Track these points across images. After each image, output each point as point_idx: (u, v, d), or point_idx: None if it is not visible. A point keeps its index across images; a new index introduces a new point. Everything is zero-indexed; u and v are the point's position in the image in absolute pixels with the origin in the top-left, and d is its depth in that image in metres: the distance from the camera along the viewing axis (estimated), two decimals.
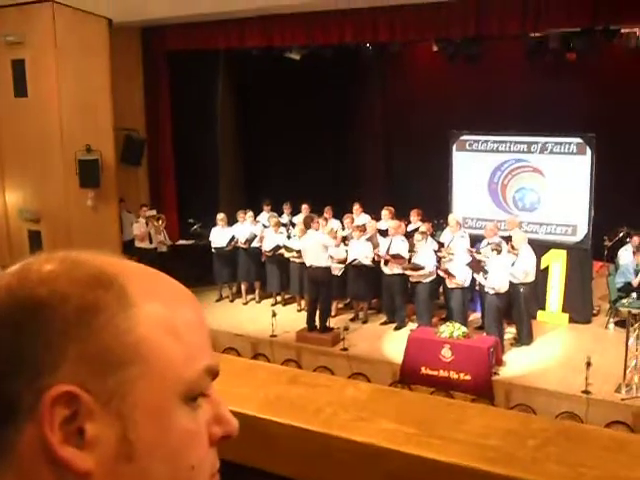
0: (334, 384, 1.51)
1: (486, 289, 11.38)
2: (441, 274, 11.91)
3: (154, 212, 15.07)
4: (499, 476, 1.17)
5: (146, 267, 0.77)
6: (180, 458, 0.71)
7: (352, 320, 12.98)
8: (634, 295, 11.45)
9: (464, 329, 10.74)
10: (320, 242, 12.29)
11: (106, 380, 0.68)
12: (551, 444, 1.25)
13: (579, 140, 12.98)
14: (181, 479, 0.72)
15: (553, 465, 1.18)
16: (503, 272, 11.29)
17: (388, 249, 12.45)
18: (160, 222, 14.89)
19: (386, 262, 12.48)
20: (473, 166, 13.91)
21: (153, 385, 0.70)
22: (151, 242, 14.61)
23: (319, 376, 1.61)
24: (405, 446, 1.25)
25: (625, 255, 12.46)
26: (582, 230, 13.07)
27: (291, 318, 13.09)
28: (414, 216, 13.71)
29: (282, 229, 14.07)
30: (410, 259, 12.24)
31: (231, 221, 14.41)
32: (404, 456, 1.24)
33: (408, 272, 12.19)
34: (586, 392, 9.76)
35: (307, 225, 12.78)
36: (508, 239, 12.15)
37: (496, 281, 11.20)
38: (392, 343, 11.81)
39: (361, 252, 12.71)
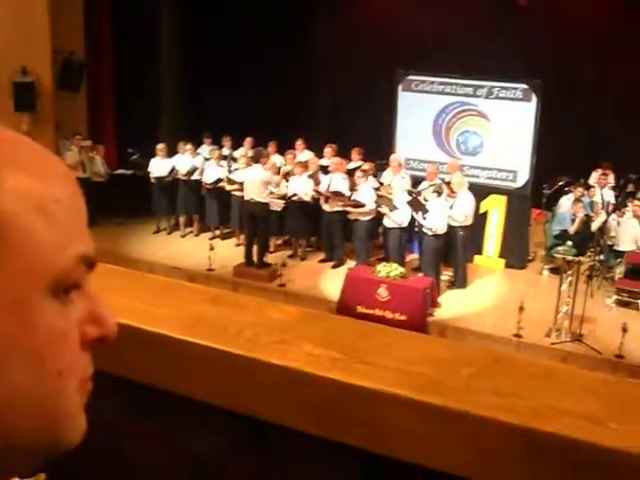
0: (257, 306, 1.42)
1: (424, 230, 11.43)
2: (381, 210, 11.88)
3: (89, 142, 14.66)
4: (429, 405, 1.10)
5: (16, 133, 0.63)
6: (44, 361, 0.59)
7: (290, 257, 12.96)
8: (569, 243, 11.62)
9: (401, 269, 10.79)
10: (262, 177, 12.15)
11: None
12: (485, 373, 1.19)
13: (525, 86, 13.00)
14: (45, 386, 0.59)
15: (485, 395, 1.12)
16: (442, 214, 11.35)
17: (328, 186, 12.39)
18: (94, 152, 14.53)
19: (326, 199, 12.42)
20: (418, 107, 13.84)
21: (13, 272, 0.56)
22: (85, 171, 14.25)
23: (242, 297, 1.52)
24: (330, 371, 1.17)
25: (566, 204, 12.60)
26: (523, 177, 13.19)
27: (229, 253, 12.99)
28: (355, 155, 13.64)
29: (223, 162, 13.89)
30: (350, 197, 12.20)
31: (171, 152, 14.15)
32: (329, 381, 1.16)
33: (348, 209, 12.16)
34: (517, 336, 9.93)
35: (256, 159, 12.57)
36: (449, 182, 12.19)
37: (435, 222, 11.25)
38: (330, 281, 11.82)
39: (301, 188, 12.62)
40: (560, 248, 10.75)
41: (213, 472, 1.33)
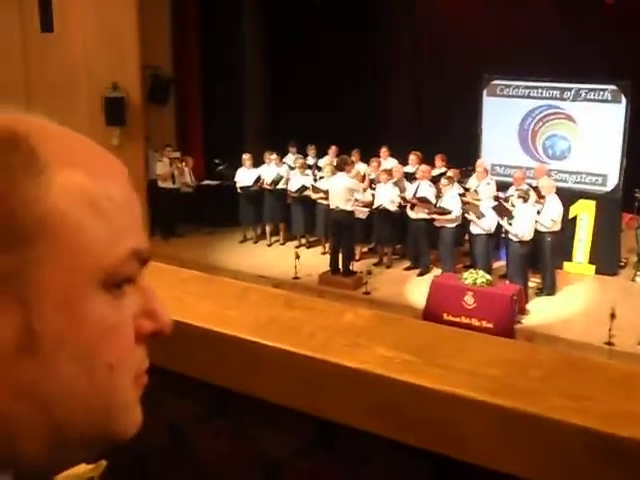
0: (332, 309, 1.43)
1: (510, 236, 11.26)
2: (468, 217, 11.76)
3: (178, 154, 15.03)
4: (498, 407, 1.09)
5: (70, 130, 0.64)
6: (95, 355, 0.60)
7: (376, 265, 12.94)
8: None
9: (488, 276, 10.65)
10: (347, 185, 12.18)
11: (6, 256, 0.56)
12: (556, 376, 1.17)
13: (614, 87, 12.69)
14: (97, 379, 0.60)
15: (557, 398, 1.10)
16: (528, 220, 11.16)
17: (415, 193, 12.32)
18: (184, 164, 14.87)
19: (412, 206, 12.36)
20: (504, 112, 13.67)
21: (63, 268, 0.58)
22: (174, 182, 14.60)
23: (316, 300, 1.53)
24: (401, 374, 1.18)
25: None
26: (613, 180, 12.86)
27: (315, 261, 13.06)
28: (438, 161, 13.57)
29: (308, 171, 13.99)
30: (436, 204, 12.12)
31: (257, 162, 14.33)
32: (400, 384, 1.16)
33: (434, 216, 12.07)
34: (609, 344, 9.66)
35: (340, 167, 12.59)
36: (536, 188, 11.97)
37: (521, 229, 11.07)
38: (415, 288, 11.76)
39: (387, 197, 12.60)
40: None
41: (285, 473, 1.34)
